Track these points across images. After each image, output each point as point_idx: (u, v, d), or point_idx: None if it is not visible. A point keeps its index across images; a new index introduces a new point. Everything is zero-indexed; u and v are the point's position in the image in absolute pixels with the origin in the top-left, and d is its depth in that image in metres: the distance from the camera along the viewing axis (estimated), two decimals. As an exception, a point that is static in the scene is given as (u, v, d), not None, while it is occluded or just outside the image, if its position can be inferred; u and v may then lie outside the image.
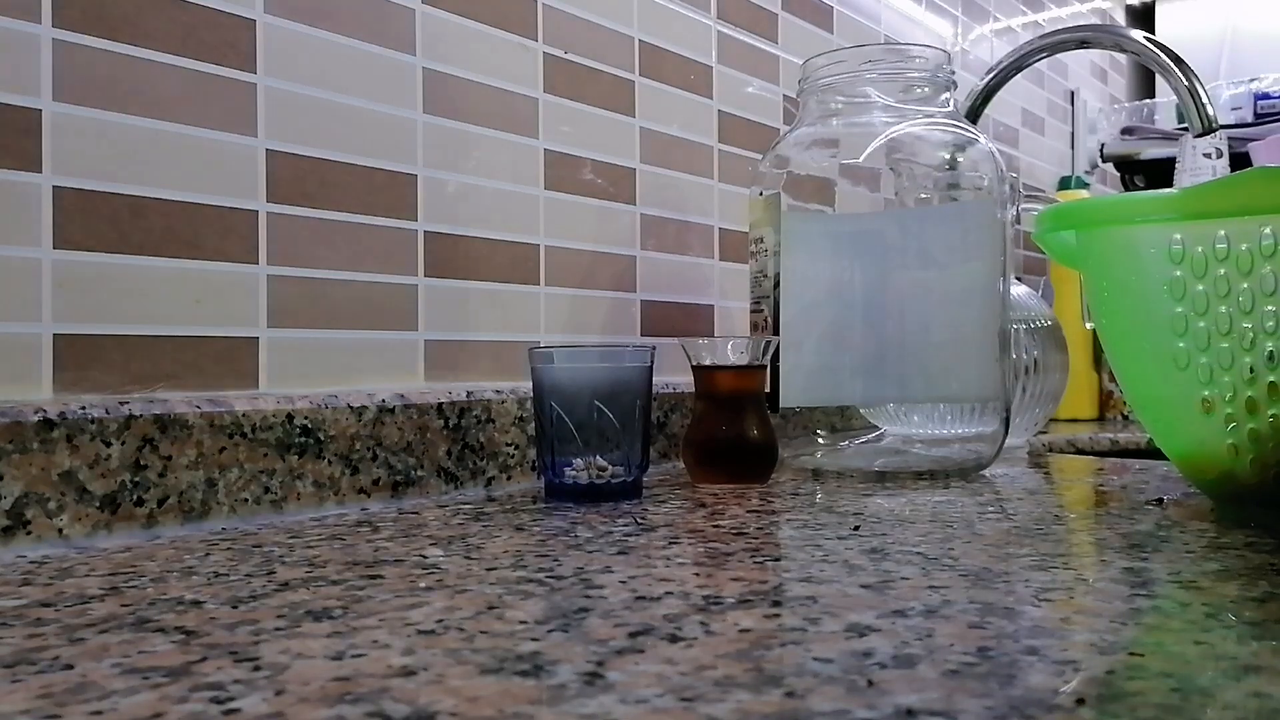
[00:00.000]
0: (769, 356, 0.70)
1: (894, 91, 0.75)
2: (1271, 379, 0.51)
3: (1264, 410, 0.51)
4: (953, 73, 0.76)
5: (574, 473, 0.60)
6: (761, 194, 0.77)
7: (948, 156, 0.75)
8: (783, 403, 0.73)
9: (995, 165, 0.73)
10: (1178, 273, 0.53)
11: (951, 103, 0.76)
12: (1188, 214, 0.53)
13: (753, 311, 0.78)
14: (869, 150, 0.73)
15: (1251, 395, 0.51)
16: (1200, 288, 0.52)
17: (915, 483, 0.69)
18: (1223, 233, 0.51)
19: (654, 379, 0.64)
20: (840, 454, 0.76)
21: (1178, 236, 0.53)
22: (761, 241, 0.77)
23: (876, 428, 0.78)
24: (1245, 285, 0.50)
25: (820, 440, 0.76)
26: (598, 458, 0.60)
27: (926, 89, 0.75)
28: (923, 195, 0.75)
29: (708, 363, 0.69)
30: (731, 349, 0.69)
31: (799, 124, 0.77)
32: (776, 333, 0.74)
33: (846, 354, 0.72)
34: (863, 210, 0.74)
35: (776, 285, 0.74)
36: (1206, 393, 0.53)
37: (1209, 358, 0.52)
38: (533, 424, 0.66)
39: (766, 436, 0.69)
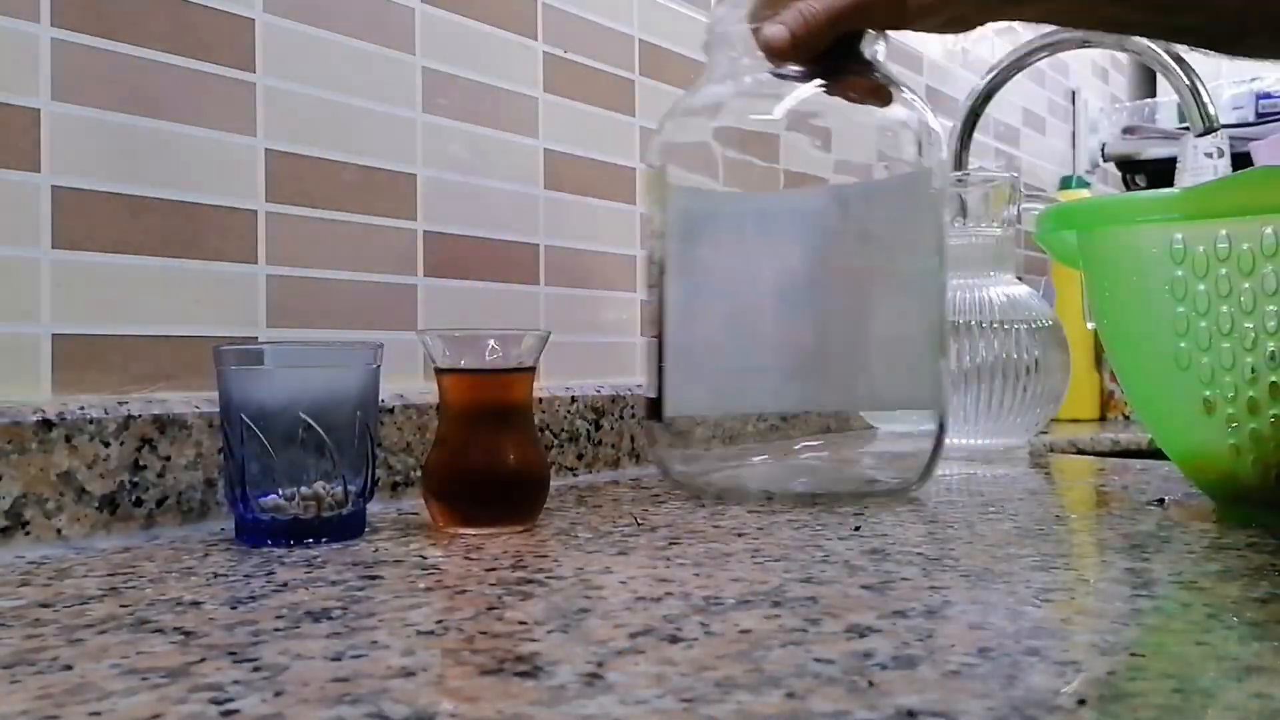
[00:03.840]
0: (537, 357, 0.53)
1: None
2: (1273, 379, 0.51)
3: (1265, 411, 0.51)
4: None
5: (273, 505, 0.47)
6: (650, 166, 0.65)
7: (875, 119, 0.63)
8: (668, 411, 0.62)
9: (929, 132, 0.62)
10: (1179, 273, 0.53)
11: (880, 55, 0.63)
12: (1189, 214, 0.53)
13: (645, 303, 0.66)
14: (776, 112, 0.62)
15: (1253, 395, 0.51)
16: (1201, 288, 0.52)
17: (840, 506, 0.57)
18: (1224, 232, 0.51)
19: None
20: (744, 471, 0.65)
21: (1179, 236, 0.52)
22: (650, 221, 0.65)
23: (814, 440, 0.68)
24: (1246, 285, 0.50)
25: (718, 455, 0.65)
26: (302, 488, 0.47)
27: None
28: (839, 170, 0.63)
29: (450, 365, 0.52)
30: (489, 347, 0.52)
31: (700, 83, 0.65)
32: (664, 327, 0.62)
33: (744, 354, 0.61)
34: (766, 185, 0.63)
35: (663, 273, 0.62)
36: (1208, 393, 0.53)
37: (1210, 358, 0.52)
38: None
39: (529, 463, 0.52)
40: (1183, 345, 0.53)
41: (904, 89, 0.62)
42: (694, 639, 0.31)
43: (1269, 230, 0.49)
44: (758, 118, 0.63)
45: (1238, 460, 0.53)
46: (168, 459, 0.51)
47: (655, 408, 0.63)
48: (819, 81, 0.60)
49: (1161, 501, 0.60)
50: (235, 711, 0.25)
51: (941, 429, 0.61)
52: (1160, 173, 1.48)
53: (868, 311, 0.61)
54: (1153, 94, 1.95)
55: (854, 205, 0.61)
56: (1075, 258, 0.63)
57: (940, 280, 0.62)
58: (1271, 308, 0.50)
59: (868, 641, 0.31)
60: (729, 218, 0.62)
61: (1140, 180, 1.55)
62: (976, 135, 1.13)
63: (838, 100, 0.62)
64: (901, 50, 1.22)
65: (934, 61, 1.29)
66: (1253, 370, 0.51)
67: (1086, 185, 1.55)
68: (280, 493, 0.47)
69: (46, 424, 0.46)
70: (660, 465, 0.65)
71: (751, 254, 0.61)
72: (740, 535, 0.49)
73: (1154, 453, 1.11)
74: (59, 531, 0.47)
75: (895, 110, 0.62)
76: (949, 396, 0.64)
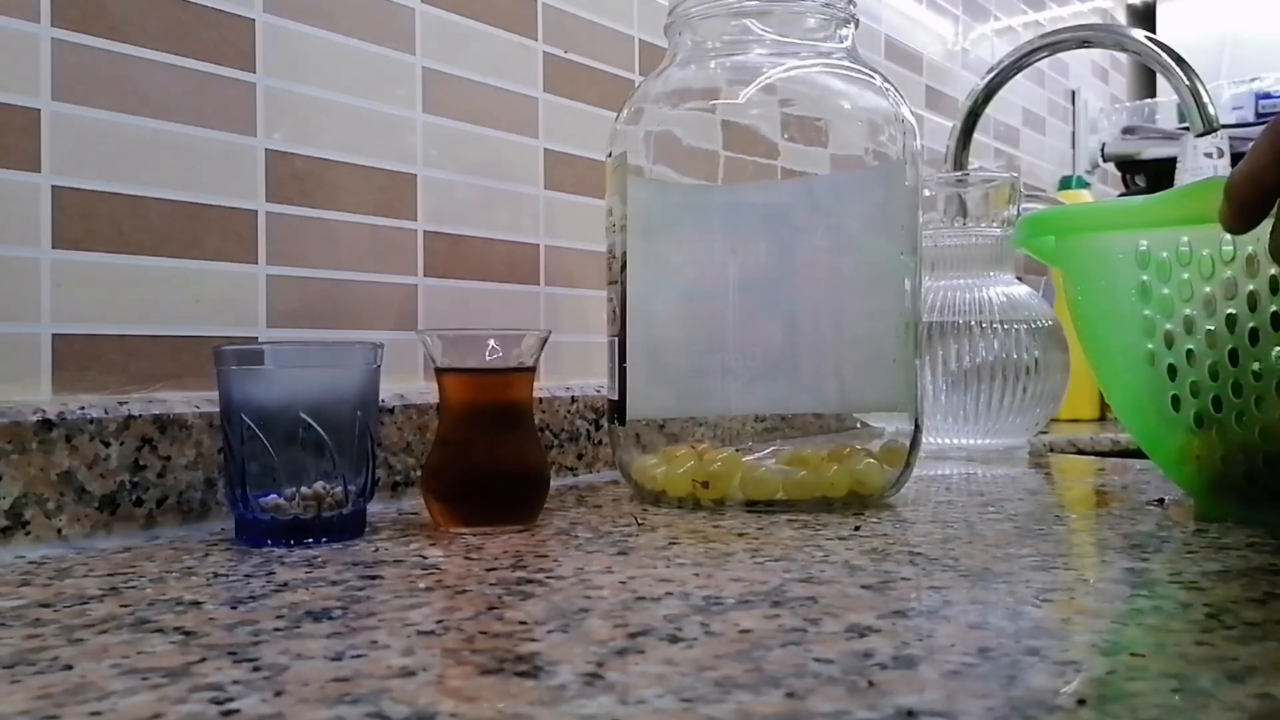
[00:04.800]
0: (537, 357, 0.53)
1: (776, 24, 0.61)
2: (1235, 378, 0.52)
3: (1229, 409, 0.53)
4: (852, 4, 0.62)
5: (273, 505, 0.47)
6: (610, 155, 0.63)
7: (847, 108, 0.62)
8: (630, 413, 0.60)
9: (903, 124, 0.60)
10: (1144, 276, 0.55)
11: (850, 40, 0.62)
12: (1152, 221, 0.55)
13: (609, 300, 0.63)
14: (742, 98, 0.59)
15: (1216, 394, 0.53)
16: (1165, 291, 0.54)
17: (804, 514, 0.55)
18: (1185, 239, 0.53)
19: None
20: None
21: (1144, 243, 0.54)
22: (610, 214, 0.63)
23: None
24: (1207, 289, 0.52)
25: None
26: (302, 487, 0.47)
27: (818, 18, 0.61)
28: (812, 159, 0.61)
29: (450, 365, 0.52)
30: (489, 347, 0.52)
31: (663, 68, 0.63)
32: (625, 326, 0.60)
33: (709, 354, 0.58)
34: (732, 175, 0.60)
35: (625, 268, 0.60)
36: (1174, 391, 0.55)
37: (1175, 358, 0.54)
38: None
39: (529, 463, 0.53)
40: (1149, 345, 0.55)
41: (875, 76, 0.61)
42: (694, 639, 0.31)
43: (1227, 236, 0.51)
44: (723, 104, 0.61)
45: (1207, 456, 0.55)
46: (168, 459, 0.51)
47: (617, 410, 0.61)
48: None
49: (1161, 501, 0.60)
50: (235, 711, 0.25)
51: (917, 430, 0.60)
52: (1160, 173, 1.48)
53: (838, 309, 0.59)
54: (1153, 94, 1.95)
55: (823, 198, 0.59)
56: (1056, 260, 0.63)
57: (914, 277, 0.60)
58: (1230, 310, 0.52)
59: (868, 641, 0.31)
60: (693, 211, 0.60)
61: (1140, 180, 1.55)
62: (976, 135, 1.13)
63: (807, 86, 0.61)
64: (901, 50, 1.22)
65: (934, 62, 1.29)
66: (1215, 369, 0.52)
67: (1086, 185, 1.54)
68: (280, 493, 0.47)
69: (46, 424, 0.46)
70: (623, 470, 0.62)
71: (716, 249, 0.59)
72: (740, 535, 0.49)
73: (1154, 453, 1.11)
74: (59, 531, 0.47)
75: (869, 99, 0.61)
76: (923, 398, 0.62)
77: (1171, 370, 0.54)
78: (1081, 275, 0.60)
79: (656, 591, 0.38)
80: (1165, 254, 0.54)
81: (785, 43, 0.61)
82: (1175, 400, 0.55)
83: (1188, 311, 0.53)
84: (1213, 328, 0.52)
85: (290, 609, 0.35)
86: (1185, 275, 0.53)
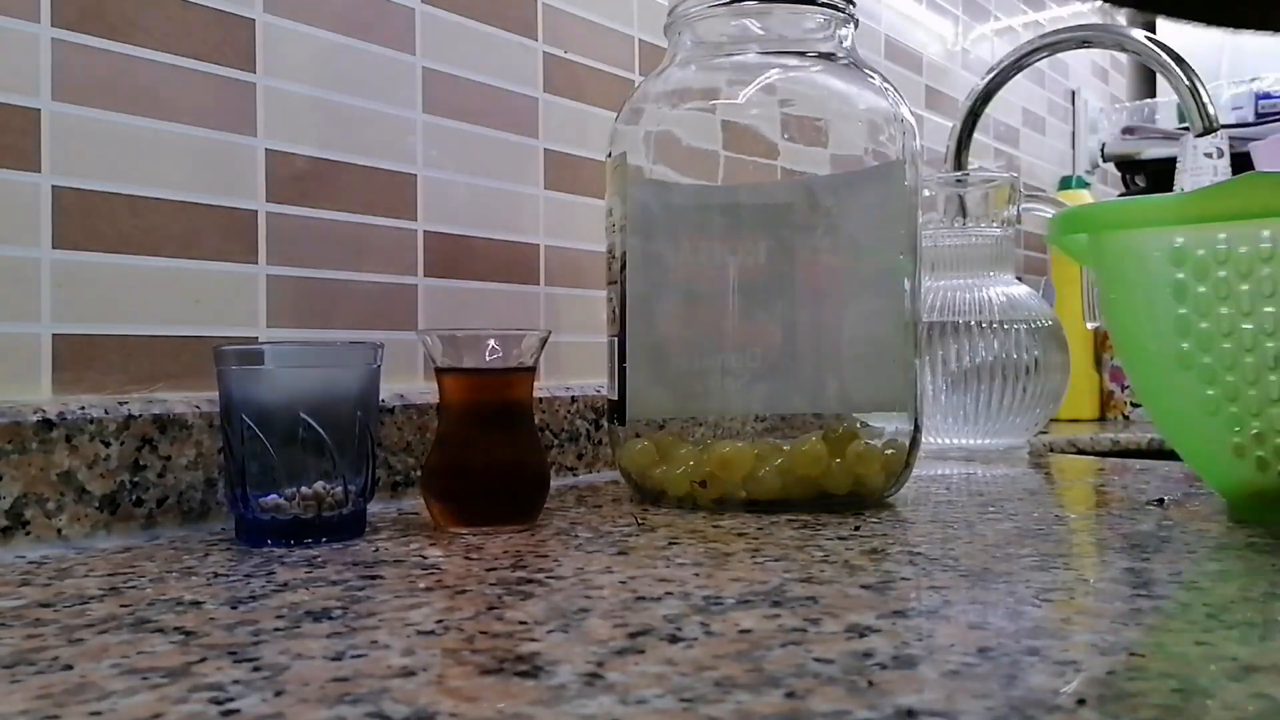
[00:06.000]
0: (537, 357, 0.53)
1: (776, 24, 0.61)
2: (1273, 379, 0.51)
3: (1267, 411, 0.51)
4: (852, 4, 0.62)
5: (273, 505, 0.47)
6: (610, 155, 0.63)
7: (846, 108, 0.62)
8: (630, 413, 0.60)
9: (902, 124, 0.60)
10: (1180, 275, 0.53)
11: (850, 40, 0.62)
12: (1189, 217, 0.53)
13: (608, 300, 0.64)
14: (742, 98, 0.60)
15: (1254, 395, 0.52)
16: (1201, 290, 0.52)
17: (803, 515, 0.54)
18: (1223, 236, 0.51)
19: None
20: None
21: (1180, 240, 0.53)
22: (610, 214, 0.63)
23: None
24: (1245, 288, 0.51)
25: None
26: (302, 487, 0.47)
27: (818, 18, 0.61)
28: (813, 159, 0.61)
29: (450, 365, 0.52)
30: (489, 347, 0.52)
31: (663, 68, 0.63)
32: (624, 326, 0.60)
33: (709, 354, 0.58)
34: (732, 175, 0.60)
35: (625, 268, 0.61)
36: (1210, 393, 0.53)
37: (1212, 358, 0.53)
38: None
39: (529, 463, 0.53)
40: (1185, 346, 0.53)
41: (875, 76, 0.61)
42: (694, 639, 0.31)
43: (1266, 234, 0.50)
44: (723, 104, 0.61)
45: (1242, 460, 0.53)
46: (168, 459, 0.51)
47: (617, 410, 0.61)
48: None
49: (1161, 501, 0.60)
50: (235, 711, 0.26)
51: (917, 430, 0.60)
52: (1160, 173, 1.48)
53: (837, 309, 0.59)
54: (1152, 94, 1.95)
55: (823, 198, 0.59)
56: (1089, 257, 0.62)
57: (914, 277, 0.60)
58: (1269, 309, 0.50)
59: (868, 641, 0.31)
60: (693, 211, 0.60)
61: (1140, 180, 1.55)
62: (976, 135, 1.13)
63: (807, 86, 0.61)
64: (901, 50, 1.22)
65: (934, 62, 1.29)
66: (1253, 371, 0.51)
67: (1086, 185, 1.54)
68: (280, 493, 0.47)
69: (47, 424, 0.46)
70: (622, 470, 0.62)
71: (716, 249, 0.59)
72: (740, 535, 0.49)
73: (1153, 452, 1.11)
74: (59, 531, 0.47)
75: (869, 99, 0.61)
76: (923, 398, 0.62)
77: (1207, 372, 0.53)
78: (1115, 273, 0.59)
79: (656, 591, 0.38)
80: (1202, 251, 0.52)
81: (785, 43, 0.61)
82: (1210, 403, 0.53)
83: (1224, 311, 0.51)
84: (1251, 327, 0.51)
85: (290, 609, 0.35)
86: (1222, 273, 0.51)
